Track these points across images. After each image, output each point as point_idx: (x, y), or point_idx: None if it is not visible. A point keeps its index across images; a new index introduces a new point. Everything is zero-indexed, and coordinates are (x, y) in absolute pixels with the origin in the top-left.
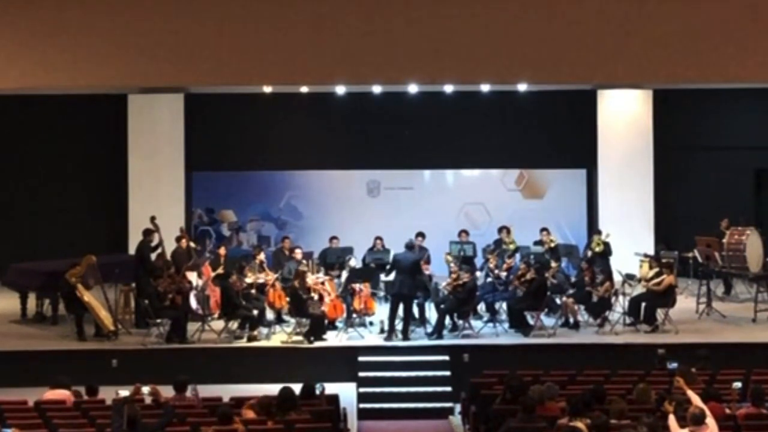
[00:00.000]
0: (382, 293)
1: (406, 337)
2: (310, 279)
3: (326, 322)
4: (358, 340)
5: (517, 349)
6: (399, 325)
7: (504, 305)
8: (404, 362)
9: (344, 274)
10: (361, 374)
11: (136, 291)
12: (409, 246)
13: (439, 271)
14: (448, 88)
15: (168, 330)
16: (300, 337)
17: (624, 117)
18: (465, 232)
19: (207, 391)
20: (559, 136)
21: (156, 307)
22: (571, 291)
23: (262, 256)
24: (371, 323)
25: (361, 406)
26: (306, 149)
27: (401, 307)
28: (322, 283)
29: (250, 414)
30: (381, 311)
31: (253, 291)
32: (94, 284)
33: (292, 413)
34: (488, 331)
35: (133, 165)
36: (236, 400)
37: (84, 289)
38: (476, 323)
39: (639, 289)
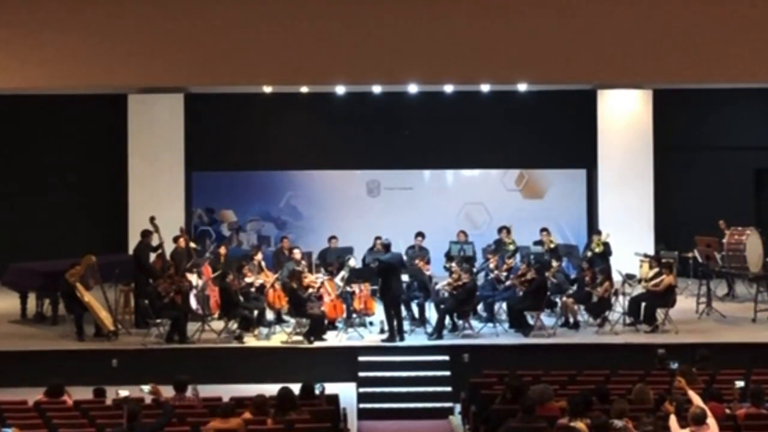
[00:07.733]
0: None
1: (401, 337)
2: (309, 278)
3: (326, 322)
4: (357, 340)
5: (517, 349)
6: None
7: (504, 305)
8: (404, 362)
9: (343, 274)
10: (361, 374)
11: (135, 291)
12: (387, 246)
13: (439, 271)
14: (448, 88)
15: (168, 330)
16: (300, 337)
17: (624, 117)
18: (463, 232)
19: (207, 391)
20: (559, 136)
21: (156, 307)
22: (571, 291)
23: (259, 257)
24: (371, 323)
25: (361, 406)
26: (306, 149)
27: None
28: (321, 283)
29: (247, 414)
30: (381, 311)
31: (253, 290)
32: (94, 284)
33: (291, 413)
34: (488, 331)
35: (133, 165)
36: (236, 400)
37: (84, 289)
38: (476, 323)
39: (639, 289)
